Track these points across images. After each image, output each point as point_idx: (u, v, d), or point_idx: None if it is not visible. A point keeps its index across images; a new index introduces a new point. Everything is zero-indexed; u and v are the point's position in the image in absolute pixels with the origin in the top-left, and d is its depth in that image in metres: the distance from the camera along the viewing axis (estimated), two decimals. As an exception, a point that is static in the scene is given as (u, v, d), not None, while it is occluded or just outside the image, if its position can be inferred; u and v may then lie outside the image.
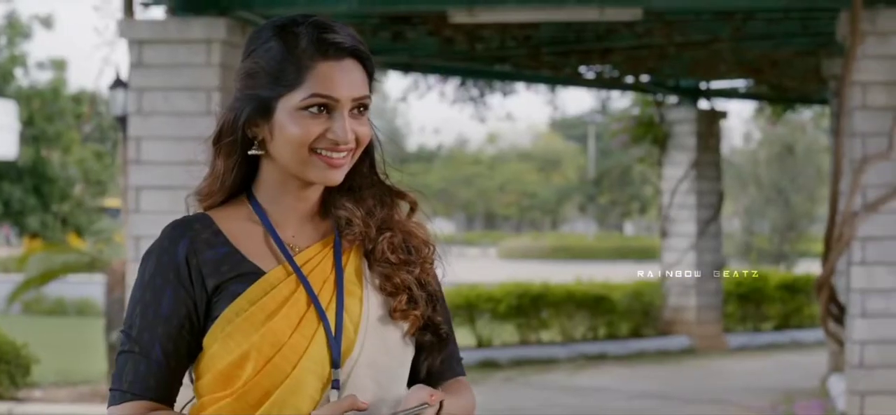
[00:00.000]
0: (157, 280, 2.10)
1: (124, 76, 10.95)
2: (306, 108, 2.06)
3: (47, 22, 30.33)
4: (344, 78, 2.07)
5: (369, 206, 2.18)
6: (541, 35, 11.55)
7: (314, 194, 2.16)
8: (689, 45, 11.70)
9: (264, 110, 2.09)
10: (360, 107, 2.10)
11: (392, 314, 2.14)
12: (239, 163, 2.14)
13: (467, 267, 33.39)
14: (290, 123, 2.07)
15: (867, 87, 8.78)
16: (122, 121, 11.05)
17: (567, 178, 57.49)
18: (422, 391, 2.07)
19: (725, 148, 38.17)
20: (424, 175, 56.64)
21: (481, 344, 14.63)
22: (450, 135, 73.21)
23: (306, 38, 2.07)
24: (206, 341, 2.08)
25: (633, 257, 38.82)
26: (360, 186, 2.19)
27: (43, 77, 30.07)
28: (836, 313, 9.53)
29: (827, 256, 9.10)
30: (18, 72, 29.82)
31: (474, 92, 14.30)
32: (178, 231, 2.12)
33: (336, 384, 2.06)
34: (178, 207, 8.32)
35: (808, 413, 10.32)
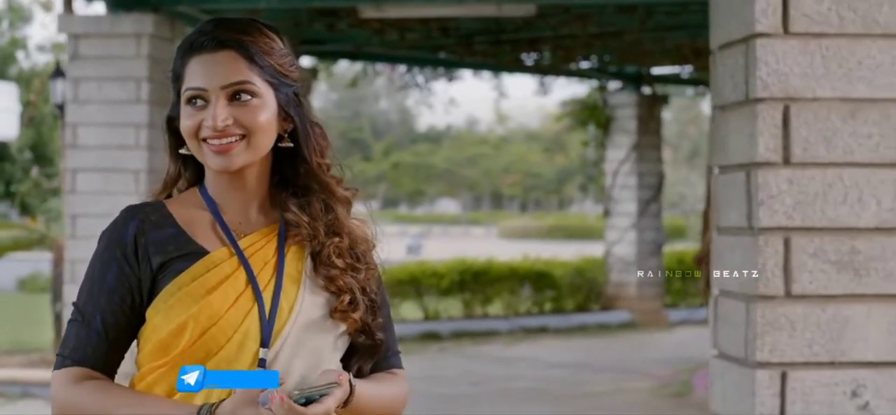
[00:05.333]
0: (106, 256, 2.22)
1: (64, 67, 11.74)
2: (188, 102, 2.21)
3: (47, 5, 31.15)
4: (211, 69, 2.18)
5: (316, 210, 2.27)
6: (467, 26, 12.17)
7: (251, 184, 2.27)
8: (602, 36, 12.31)
9: (177, 111, 2.26)
10: (240, 93, 2.19)
11: (332, 314, 2.24)
12: (183, 163, 2.31)
13: (464, 245, 33.97)
14: (183, 118, 2.23)
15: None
16: (61, 108, 11.82)
17: (571, 158, 57.85)
18: (331, 374, 2.15)
19: (695, 132, 38.72)
20: (431, 155, 57.12)
21: (428, 317, 15.36)
22: (460, 115, 73.67)
23: (187, 39, 2.23)
24: (150, 312, 2.20)
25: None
26: (305, 187, 2.29)
27: (43, 59, 30.97)
28: (719, 286, 10.22)
29: (704, 233, 9.77)
30: (20, 55, 30.74)
31: (420, 79, 14.99)
32: (130, 213, 2.24)
33: (262, 363, 2.15)
34: (110, 187, 9.24)
35: (703, 380, 11.01)
